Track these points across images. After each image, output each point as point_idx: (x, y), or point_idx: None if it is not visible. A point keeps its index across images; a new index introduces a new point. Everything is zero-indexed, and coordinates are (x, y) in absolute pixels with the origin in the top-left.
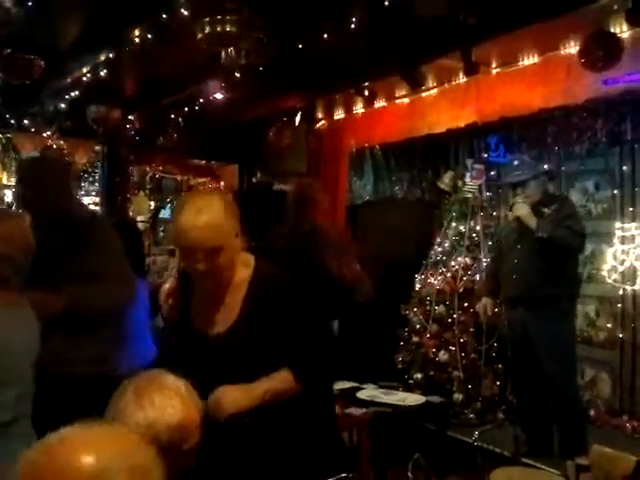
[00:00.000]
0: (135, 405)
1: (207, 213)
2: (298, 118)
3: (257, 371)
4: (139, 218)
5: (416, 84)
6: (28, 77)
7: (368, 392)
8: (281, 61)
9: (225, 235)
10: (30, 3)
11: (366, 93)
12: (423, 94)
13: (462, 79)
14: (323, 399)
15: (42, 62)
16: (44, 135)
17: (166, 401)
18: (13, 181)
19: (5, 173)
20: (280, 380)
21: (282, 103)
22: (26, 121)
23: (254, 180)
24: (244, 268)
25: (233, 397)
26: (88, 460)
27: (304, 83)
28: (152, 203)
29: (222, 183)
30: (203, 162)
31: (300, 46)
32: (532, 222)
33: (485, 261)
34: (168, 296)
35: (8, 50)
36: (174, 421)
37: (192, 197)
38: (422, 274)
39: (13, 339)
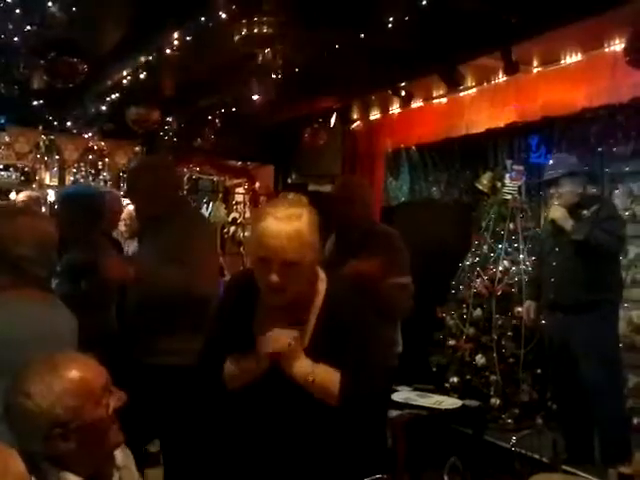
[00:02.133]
0: (27, 395)
1: (297, 222)
2: (334, 119)
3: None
4: None
5: (454, 84)
6: (71, 80)
7: (403, 394)
8: (317, 62)
9: (308, 250)
10: (74, 8)
11: (403, 93)
12: (461, 94)
13: (502, 78)
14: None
15: (85, 65)
16: (86, 136)
17: (46, 376)
18: (56, 181)
19: (48, 173)
20: (330, 381)
21: (318, 104)
22: (69, 123)
23: (289, 181)
24: (317, 286)
25: (285, 342)
26: None
27: (340, 84)
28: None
29: (257, 184)
30: (239, 163)
31: (337, 47)
32: (567, 224)
33: (525, 264)
34: None
35: (53, 54)
36: (61, 390)
37: (282, 204)
38: (459, 277)
39: (19, 331)
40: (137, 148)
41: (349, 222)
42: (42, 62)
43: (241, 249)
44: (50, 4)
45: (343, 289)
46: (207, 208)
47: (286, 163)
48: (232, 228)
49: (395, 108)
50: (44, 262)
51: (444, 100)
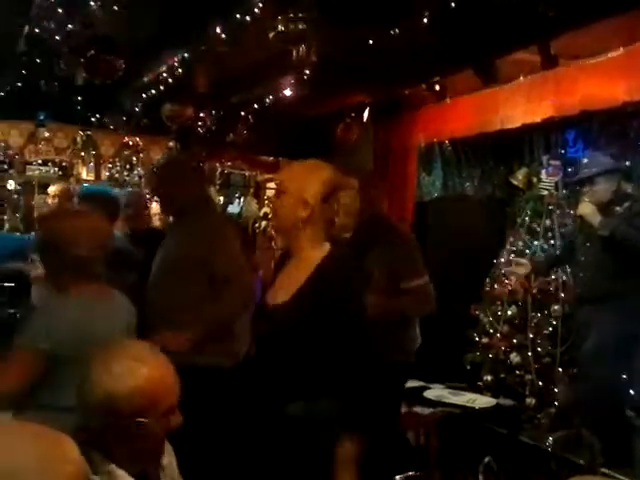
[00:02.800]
0: (96, 378)
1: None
2: (366, 114)
3: (306, 347)
4: None
5: (489, 78)
6: (110, 77)
7: (435, 392)
8: (351, 57)
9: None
10: (115, 7)
11: (437, 88)
12: (496, 88)
13: (539, 72)
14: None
15: (122, 62)
16: (122, 132)
17: (123, 369)
18: (92, 176)
19: (85, 168)
20: None
21: (350, 99)
22: (106, 119)
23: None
24: (320, 251)
25: None
26: None
27: (373, 79)
28: (221, 198)
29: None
30: (271, 158)
31: (370, 42)
32: (595, 220)
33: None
34: None
35: (92, 51)
36: (131, 386)
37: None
38: (493, 274)
39: (97, 326)
40: (171, 143)
41: (362, 220)
42: (82, 60)
43: (272, 243)
44: (92, 3)
45: (340, 260)
46: (239, 203)
47: (318, 158)
48: (263, 223)
49: (429, 103)
50: (101, 259)
51: (479, 94)
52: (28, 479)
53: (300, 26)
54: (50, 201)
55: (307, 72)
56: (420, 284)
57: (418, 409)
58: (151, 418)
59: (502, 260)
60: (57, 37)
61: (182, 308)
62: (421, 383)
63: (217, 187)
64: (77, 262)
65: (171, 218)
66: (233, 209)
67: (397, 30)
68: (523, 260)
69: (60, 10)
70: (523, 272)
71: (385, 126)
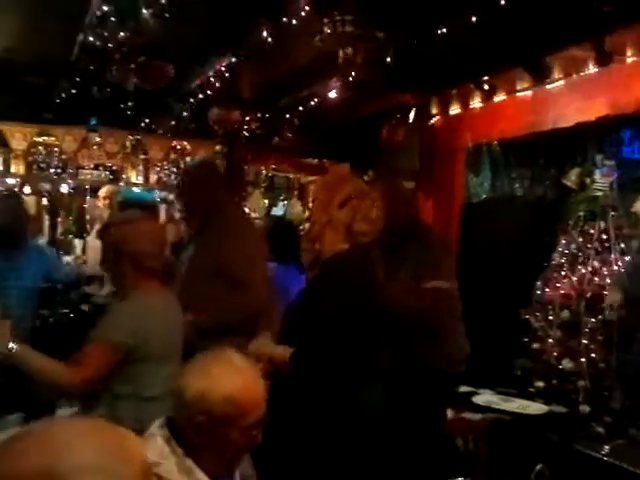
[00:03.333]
0: (194, 376)
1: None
2: (412, 115)
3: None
4: (253, 215)
5: (541, 76)
6: (160, 83)
7: (484, 398)
8: (397, 58)
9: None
10: (167, 15)
11: (486, 87)
12: (548, 86)
13: (593, 69)
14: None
15: (172, 68)
16: (169, 136)
17: (222, 373)
18: (141, 179)
19: (134, 171)
20: None
21: (396, 100)
22: (154, 124)
23: (366, 178)
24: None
25: None
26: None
27: (420, 79)
28: (266, 201)
29: None
30: (315, 161)
31: (417, 42)
32: None
33: (617, 264)
34: None
35: (143, 58)
36: (226, 392)
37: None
38: (544, 277)
39: (166, 323)
40: (217, 147)
41: (393, 221)
42: (133, 66)
43: (316, 246)
44: (144, 11)
45: (325, 264)
46: (283, 205)
47: (362, 160)
48: (307, 225)
49: (477, 102)
50: (161, 260)
51: (529, 93)
52: (93, 476)
53: (347, 28)
54: (100, 204)
55: (353, 74)
56: (441, 287)
57: (467, 415)
58: (238, 427)
59: (553, 263)
60: (109, 45)
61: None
62: (469, 388)
63: (262, 190)
64: (145, 263)
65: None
66: (277, 211)
67: (444, 29)
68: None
69: (113, 19)
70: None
71: (431, 127)
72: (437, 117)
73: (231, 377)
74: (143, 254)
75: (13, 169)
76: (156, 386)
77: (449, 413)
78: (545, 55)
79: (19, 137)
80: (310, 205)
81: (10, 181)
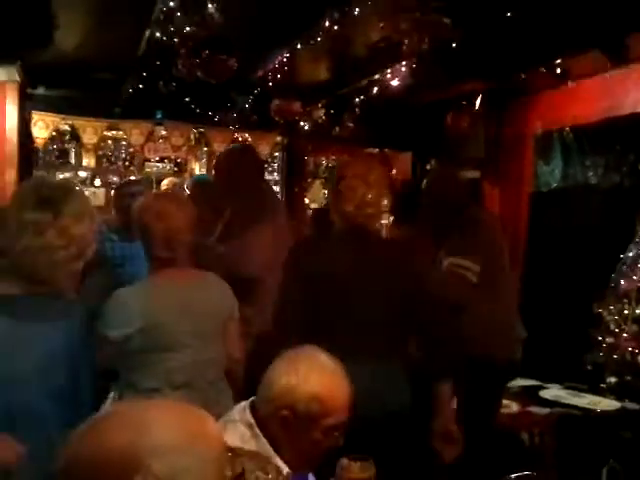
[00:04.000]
0: (282, 370)
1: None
2: (479, 101)
3: None
4: (313, 206)
5: (619, 58)
6: (224, 76)
7: (553, 392)
8: (464, 43)
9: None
10: (231, 7)
11: (558, 71)
12: (627, 69)
13: None
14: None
15: (235, 61)
16: (232, 129)
17: (310, 372)
18: (204, 171)
19: (197, 164)
20: None
21: (462, 86)
22: (217, 116)
23: (428, 167)
24: None
25: None
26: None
27: (487, 64)
28: (325, 191)
29: (394, 171)
30: (376, 150)
31: (485, 26)
32: None
33: None
34: None
35: (207, 52)
36: (313, 391)
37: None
38: (620, 269)
39: (185, 307)
40: (278, 138)
41: (441, 203)
42: (197, 60)
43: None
44: (210, 6)
45: None
46: None
47: (425, 149)
48: None
49: (547, 87)
50: (190, 243)
51: (606, 77)
52: (174, 456)
53: (411, 15)
54: None
55: (418, 61)
56: (468, 265)
57: (533, 409)
58: (320, 426)
59: (630, 255)
60: (175, 39)
61: None
62: (536, 382)
63: (322, 180)
64: (154, 252)
65: None
66: None
67: (513, 12)
68: None
69: (179, 14)
70: None
71: (498, 113)
72: (505, 103)
73: (319, 376)
74: (151, 244)
75: (85, 162)
76: (157, 377)
77: (514, 406)
78: (624, 35)
79: (90, 131)
80: None
81: (82, 174)
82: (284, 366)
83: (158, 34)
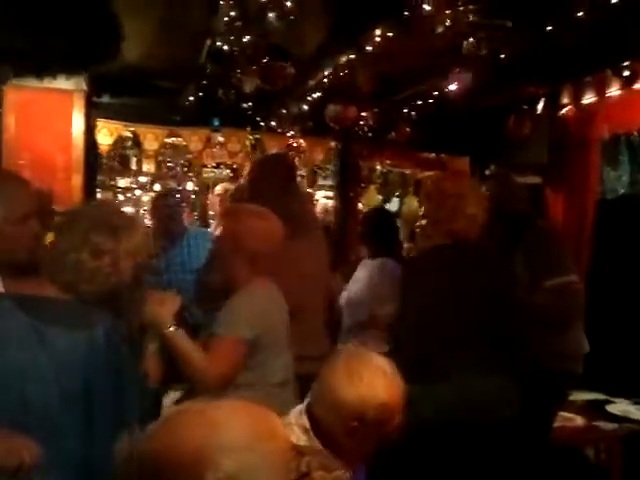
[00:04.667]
0: (345, 380)
1: None
2: (541, 105)
3: None
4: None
5: None
6: (281, 83)
7: (621, 407)
8: (525, 45)
9: None
10: (291, 16)
11: (626, 73)
12: None
13: None
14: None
15: (292, 68)
16: (287, 135)
17: (375, 379)
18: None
19: None
20: None
21: (524, 90)
22: (273, 123)
23: (487, 173)
24: None
25: None
26: (213, 432)
27: (550, 66)
28: (380, 197)
29: None
30: (432, 155)
31: (549, 28)
32: None
33: None
34: None
35: (265, 59)
36: (382, 400)
37: None
38: None
39: (279, 309)
40: (332, 144)
41: (506, 215)
42: (255, 68)
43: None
44: (270, 15)
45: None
46: (399, 202)
47: (484, 154)
48: (423, 222)
49: (615, 90)
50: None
51: None
52: (243, 454)
53: (471, 18)
54: (214, 200)
55: (477, 64)
56: (567, 281)
57: (599, 423)
58: (385, 430)
59: None
60: (235, 48)
61: None
62: (603, 396)
63: (377, 186)
64: (259, 261)
65: None
66: (391, 207)
67: (580, 12)
68: None
69: (239, 23)
70: None
71: (562, 117)
72: (569, 107)
73: (383, 381)
74: (259, 253)
75: (145, 168)
76: (280, 372)
77: (578, 420)
78: None
79: (151, 138)
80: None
81: (142, 179)
82: (345, 374)
83: (219, 43)
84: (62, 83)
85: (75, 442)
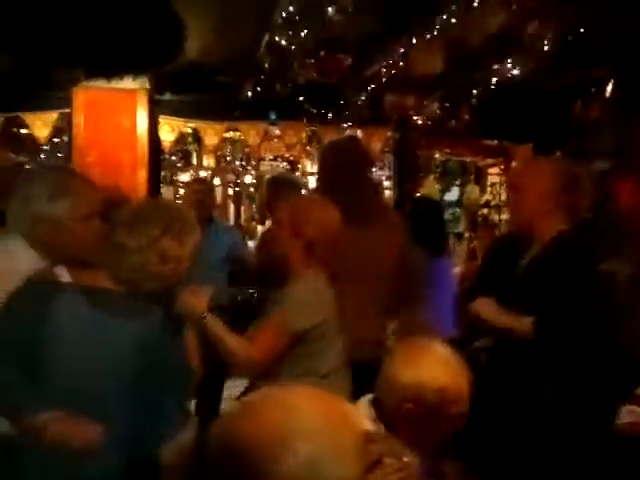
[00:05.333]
0: (405, 364)
1: None
2: (610, 88)
3: None
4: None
5: None
6: (338, 76)
7: None
8: (593, 28)
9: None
10: (350, 9)
11: None
12: None
13: None
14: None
15: (349, 60)
16: (345, 125)
17: (433, 364)
18: (315, 169)
19: (309, 162)
20: None
21: (591, 72)
22: (329, 114)
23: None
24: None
25: None
26: (286, 415)
27: (620, 46)
28: (438, 186)
29: (514, 164)
30: (495, 142)
31: (616, 9)
32: None
33: None
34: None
35: (323, 52)
36: (440, 384)
37: None
38: None
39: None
40: (389, 133)
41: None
42: (312, 61)
43: (496, 232)
44: (329, 9)
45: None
46: (459, 190)
47: (549, 140)
48: (485, 210)
49: None
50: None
51: None
52: (319, 440)
53: (534, 2)
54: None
55: (541, 48)
56: (614, 270)
57: None
58: (444, 415)
59: None
60: (293, 43)
61: None
62: None
63: (436, 175)
64: (316, 250)
65: None
66: (451, 197)
67: None
68: None
69: (297, 17)
70: None
71: (632, 100)
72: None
73: (443, 368)
74: (317, 242)
75: (205, 163)
76: (331, 362)
77: None
78: None
79: (211, 133)
80: (491, 188)
81: (202, 173)
82: (406, 360)
83: (277, 38)
84: (127, 83)
85: (127, 427)
